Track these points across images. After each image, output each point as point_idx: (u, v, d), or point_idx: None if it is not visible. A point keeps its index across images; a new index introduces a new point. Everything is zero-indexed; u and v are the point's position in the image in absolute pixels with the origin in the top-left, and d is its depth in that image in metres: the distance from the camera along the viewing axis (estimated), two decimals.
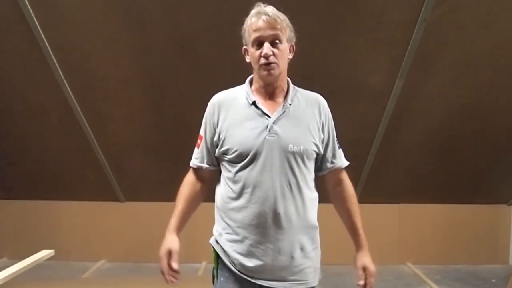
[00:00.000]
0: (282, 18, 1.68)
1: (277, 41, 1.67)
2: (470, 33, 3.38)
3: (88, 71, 3.71)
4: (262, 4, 1.70)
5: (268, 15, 1.65)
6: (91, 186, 4.74)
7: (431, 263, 4.92)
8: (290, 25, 1.72)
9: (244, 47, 1.76)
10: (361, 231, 1.86)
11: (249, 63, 1.76)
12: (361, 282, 1.81)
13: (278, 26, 1.66)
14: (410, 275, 4.69)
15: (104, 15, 3.34)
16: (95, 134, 4.17)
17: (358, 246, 1.87)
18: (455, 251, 4.98)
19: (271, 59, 1.65)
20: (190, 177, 1.89)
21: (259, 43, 1.66)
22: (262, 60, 1.66)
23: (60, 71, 3.65)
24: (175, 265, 1.78)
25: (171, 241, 1.83)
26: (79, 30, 3.44)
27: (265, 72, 1.68)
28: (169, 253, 1.81)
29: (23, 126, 4.18)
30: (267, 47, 1.65)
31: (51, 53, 3.53)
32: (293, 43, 1.75)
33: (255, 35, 1.66)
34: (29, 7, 3.25)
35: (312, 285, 1.81)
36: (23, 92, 3.89)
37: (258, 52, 1.67)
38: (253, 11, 1.69)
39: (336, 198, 1.90)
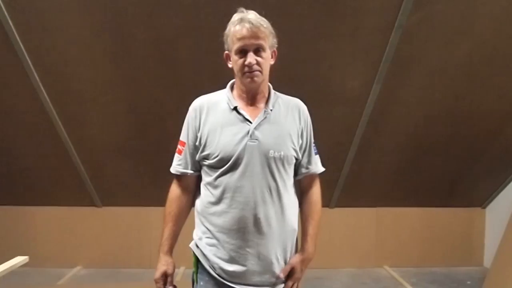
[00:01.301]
0: (266, 26, 1.68)
1: (260, 50, 1.67)
2: (445, 39, 3.44)
3: (65, 74, 3.66)
4: (244, 10, 1.69)
5: (252, 23, 1.64)
6: (67, 191, 4.67)
7: (407, 266, 4.98)
8: (272, 31, 1.72)
9: (226, 52, 1.76)
10: (309, 238, 1.84)
11: (231, 69, 1.76)
12: (281, 275, 1.77)
13: (262, 35, 1.66)
14: (387, 278, 4.73)
15: (81, 18, 3.29)
16: (71, 138, 4.11)
17: (301, 249, 1.86)
18: (431, 254, 5.05)
19: (255, 67, 1.66)
20: (175, 191, 1.86)
21: (242, 51, 1.66)
22: (246, 69, 1.66)
23: (35, 74, 3.59)
24: None
25: (166, 262, 1.82)
26: (56, 32, 3.38)
27: (248, 80, 1.68)
28: (164, 276, 1.80)
29: None
30: (251, 57, 1.65)
31: (27, 56, 3.47)
32: (275, 49, 1.75)
33: (238, 44, 1.66)
34: (4, 9, 3.19)
35: None
36: None
37: (241, 60, 1.67)
38: (236, 18, 1.68)
39: (301, 202, 1.90)
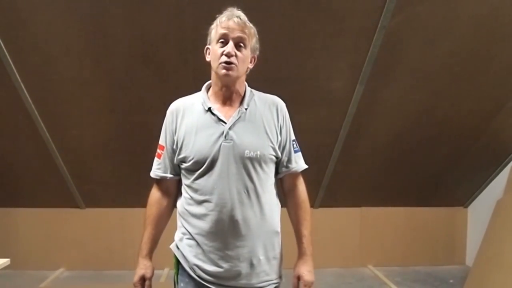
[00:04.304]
0: (251, 26, 1.70)
1: (242, 45, 1.67)
2: (427, 40, 3.47)
3: (47, 74, 3.61)
4: (234, 9, 1.70)
5: (240, 18, 1.66)
6: (49, 192, 4.61)
7: (391, 265, 5.02)
8: (257, 36, 1.73)
9: (207, 46, 1.75)
10: (304, 240, 1.83)
11: (209, 64, 1.75)
12: None
13: (246, 31, 1.67)
14: (371, 277, 4.76)
15: (64, 17, 3.25)
16: (53, 139, 4.06)
17: (299, 253, 1.85)
18: (414, 253, 5.10)
19: (232, 59, 1.65)
20: (155, 194, 1.85)
21: (224, 41, 1.66)
22: (223, 58, 1.65)
23: (17, 74, 3.54)
24: None
25: (145, 266, 1.82)
26: (38, 32, 3.34)
27: (223, 71, 1.66)
28: (143, 280, 1.80)
29: None
30: (231, 46, 1.65)
31: (8, 56, 3.41)
32: (255, 55, 1.75)
33: (222, 31, 1.66)
34: None
35: None
36: None
37: (221, 49, 1.66)
38: (225, 12, 1.70)
39: (288, 203, 1.89)
